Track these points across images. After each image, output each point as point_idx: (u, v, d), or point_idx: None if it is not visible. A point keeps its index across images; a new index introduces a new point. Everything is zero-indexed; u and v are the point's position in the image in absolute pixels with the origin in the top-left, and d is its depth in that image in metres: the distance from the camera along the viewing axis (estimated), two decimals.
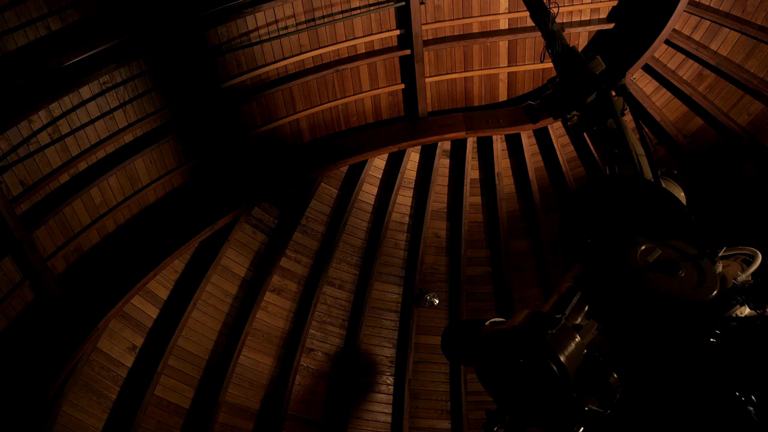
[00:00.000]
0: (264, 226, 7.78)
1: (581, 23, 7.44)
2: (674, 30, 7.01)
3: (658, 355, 2.32)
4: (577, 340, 2.25)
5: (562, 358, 2.16)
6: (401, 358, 8.05)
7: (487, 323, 2.52)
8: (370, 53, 7.31)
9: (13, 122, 5.36)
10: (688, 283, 2.34)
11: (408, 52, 7.32)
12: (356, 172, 8.09)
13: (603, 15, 7.44)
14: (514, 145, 8.18)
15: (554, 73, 4.10)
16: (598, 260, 2.62)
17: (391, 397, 7.98)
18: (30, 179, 5.71)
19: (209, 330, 7.36)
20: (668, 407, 2.25)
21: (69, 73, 5.54)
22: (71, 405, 6.30)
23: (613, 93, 3.68)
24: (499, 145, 8.11)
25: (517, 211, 8.35)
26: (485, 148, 8.23)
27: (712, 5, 6.77)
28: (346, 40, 7.06)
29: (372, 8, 6.87)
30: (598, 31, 7.53)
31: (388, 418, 7.89)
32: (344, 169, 8.11)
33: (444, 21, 7.23)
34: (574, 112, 3.87)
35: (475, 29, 7.41)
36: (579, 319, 2.47)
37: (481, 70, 7.71)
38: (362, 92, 7.60)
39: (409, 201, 8.40)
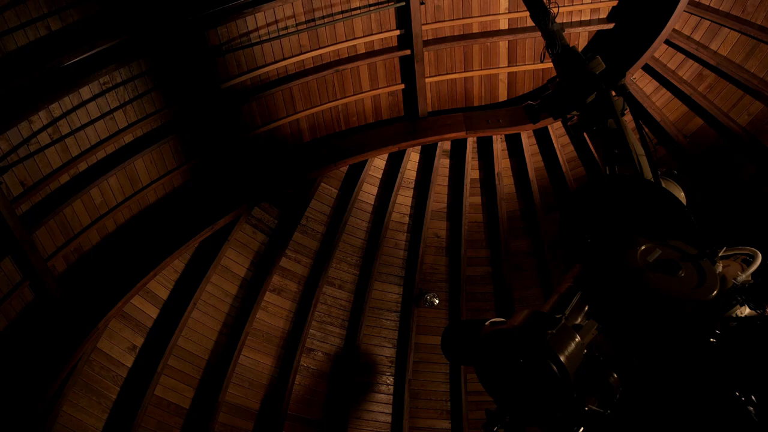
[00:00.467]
0: (264, 226, 7.78)
1: (581, 23, 7.44)
2: (674, 30, 7.01)
3: (658, 355, 2.31)
4: (577, 340, 2.25)
5: (562, 358, 2.16)
6: (401, 358, 8.05)
7: (487, 323, 2.52)
8: (370, 53, 7.31)
9: (13, 122, 5.36)
10: (688, 283, 2.34)
11: (408, 52, 7.32)
12: (356, 172, 8.09)
13: (603, 15, 7.44)
14: (514, 145, 8.19)
15: (554, 73, 4.10)
16: (598, 260, 2.62)
17: (391, 397, 7.98)
18: (30, 179, 5.71)
19: (209, 330, 7.37)
20: (668, 407, 2.24)
21: (69, 74, 5.54)
22: (71, 405, 6.31)
23: (613, 93, 3.68)
24: (499, 145, 8.11)
25: (517, 211, 8.35)
26: (485, 148, 8.23)
27: (712, 5, 6.77)
28: (346, 41, 7.06)
29: (372, 8, 6.88)
30: (598, 31, 7.53)
31: (388, 418, 7.89)
32: (344, 169, 8.11)
33: (444, 21, 7.23)
34: (574, 112, 3.87)
35: (475, 29, 7.41)
36: (579, 319, 2.47)
37: (481, 70, 7.72)
38: (362, 92, 7.60)
39: (409, 201, 8.40)
